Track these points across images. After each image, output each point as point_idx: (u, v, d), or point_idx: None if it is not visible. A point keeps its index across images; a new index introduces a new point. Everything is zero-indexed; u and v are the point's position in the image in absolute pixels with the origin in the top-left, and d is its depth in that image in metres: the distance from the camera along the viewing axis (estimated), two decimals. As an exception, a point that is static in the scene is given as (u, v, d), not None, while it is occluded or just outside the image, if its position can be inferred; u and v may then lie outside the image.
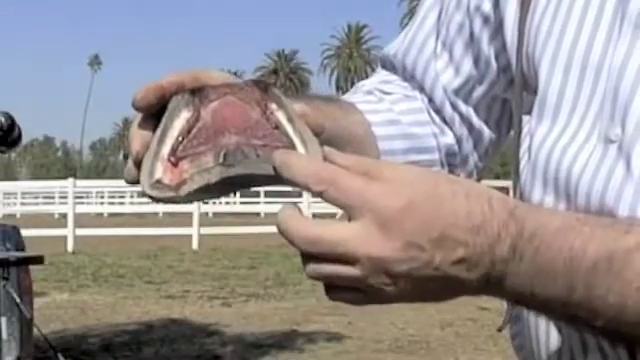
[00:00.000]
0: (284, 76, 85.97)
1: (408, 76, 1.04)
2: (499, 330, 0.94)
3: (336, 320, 7.35)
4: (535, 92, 0.85)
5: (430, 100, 1.02)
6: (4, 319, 4.30)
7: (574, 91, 0.81)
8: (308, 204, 15.72)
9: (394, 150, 0.98)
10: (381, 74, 1.07)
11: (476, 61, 0.99)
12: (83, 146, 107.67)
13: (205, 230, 16.06)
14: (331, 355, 6.15)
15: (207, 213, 22.88)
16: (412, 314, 7.49)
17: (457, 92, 1.00)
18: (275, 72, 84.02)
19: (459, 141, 1.02)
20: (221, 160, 0.65)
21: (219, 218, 22.63)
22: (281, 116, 0.68)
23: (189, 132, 0.67)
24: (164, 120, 0.67)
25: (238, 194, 28.04)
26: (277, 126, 0.68)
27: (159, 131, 0.67)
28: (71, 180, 16.88)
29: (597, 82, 0.80)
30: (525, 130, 0.88)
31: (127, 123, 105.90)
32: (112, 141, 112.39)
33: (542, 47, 0.84)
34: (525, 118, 0.88)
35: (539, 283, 0.65)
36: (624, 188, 0.75)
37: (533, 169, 0.83)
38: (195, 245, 15.33)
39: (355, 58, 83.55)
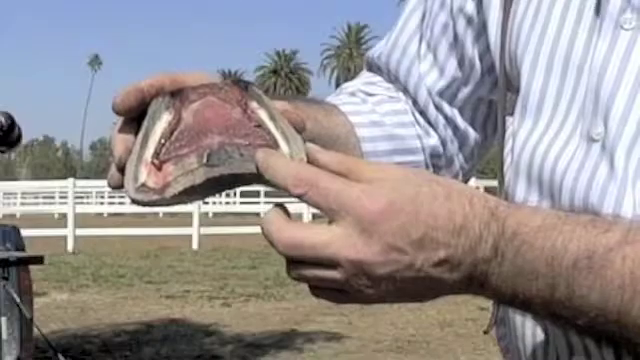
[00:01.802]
0: (284, 76, 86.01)
1: (392, 78, 1.03)
2: (485, 332, 0.95)
3: (336, 320, 7.35)
4: (518, 92, 0.85)
5: (414, 102, 1.02)
6: (4, 319, 4.30)
7: (556, 90, 0.81)
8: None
9: (378, 152, 0.98)
10: (365, 75, 1.07)
11: (460, 62, 0.99)
12: (83, 146, 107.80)
13: (205, 230, 16.06)
14: (331, 355, 6.15)
15: (207, 213, 22.88)
16: (412, 314, 7.49)
17: (441, 94, 1.00)
18: (275, 72, 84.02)
19: (444, 142, 1.02)
20: (205, 161, 0.64)
21: (219, 218, 22.63)
22: (262, 114, 0.68)
23: (171, 134, 0.66)
24: (145, 123, 0.67)
25: (238, 194, 28.05)
26: (259, 124, 0.67)
27: (141, 135, 0.67)
28: (71, 180, 16.88)
29: (579, 81, 0.80)
30: (509, 130, 0.88)
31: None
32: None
33: (524, 47, 0.84)
34: (509, 119, 0.88)
35: (521, 282, 0.65)
36: (608, 186, 0.75)
37: (516, 169, 0.83)
38: (195, 245, 15.32)
39: (355, 58, 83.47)
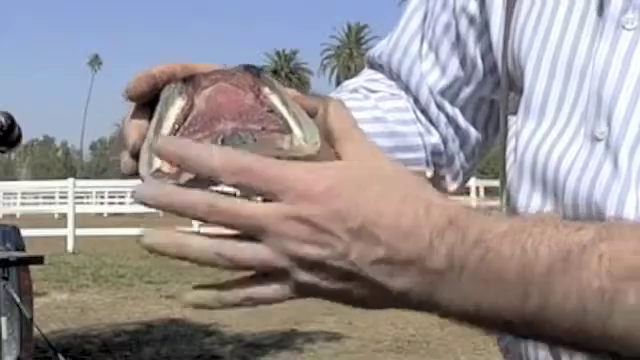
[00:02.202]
0: (284, 76, 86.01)
1: (394, 76, 1.04)
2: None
3: (336, 320, 7.35)
4: (521, 92, 0.85)
5: (415, 100, 1.02)
6: (4, 319, 4.30)
7: (559, 95, 0.81)
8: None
9: (379, 148, 0.98)
10: (367, 72, 1.07)
11: (462, 62, 0.99)
12: (83, 146, 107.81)
13: (205, 230, 16.02)
14: (331, 355, 6.15)
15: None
16: (412, 314, 7.46)
17: (443, 93, 1.00)
18: (275, 72, 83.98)
19: (445, 141, 1.02)
20: (219, 146, 0.64)
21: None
22: (275, 99, 0.67)
23: (184, 120, 0.66)
24: (158, 110, 0.67)
25: (238, 194, 27.98)
26: (271, 109, 0.66)
27: (154, 121, 0.66)
28: (71, 180, 16.88)
29: (581, 86, 0.80)
30: (512, 129, 0.88)
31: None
32: (112, 141, 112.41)
33: (526, 51, 0.84)
34: (512, 118, 0.88)
35: (486, 294, 0.59)
36: (611, 185, 0.75)
37: (520, 168, 0.83)
38: (195, 245, 15.31)
39: (355, 58, 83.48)
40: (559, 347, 0.67)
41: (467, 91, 1.00)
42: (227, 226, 0.60)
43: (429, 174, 1.02)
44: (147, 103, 0.68)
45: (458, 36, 0.98)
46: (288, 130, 0.65)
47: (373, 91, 1.02)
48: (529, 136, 0.83)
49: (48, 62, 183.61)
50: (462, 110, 1.01)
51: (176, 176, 0.63)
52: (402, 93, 1.03)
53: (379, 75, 1.05)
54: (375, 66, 1.06)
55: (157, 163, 0.64)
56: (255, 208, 0.59)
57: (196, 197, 0.60)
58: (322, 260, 0.59)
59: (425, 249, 0.59)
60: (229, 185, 0.60)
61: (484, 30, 0.94)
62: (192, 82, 0.68)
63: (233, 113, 0.66)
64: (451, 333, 6.79)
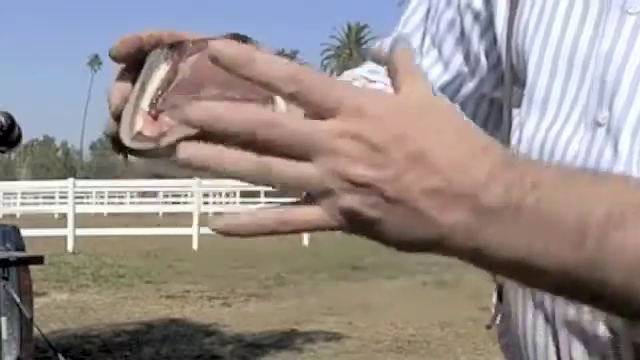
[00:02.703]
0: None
1: None
2: (488, 327, 0.94)
3: (336, 320, 7.35)
4: (524, 86, 0.87)
5: None
6: (4, 319, 4.31)
7: (562, 83, 0.82)
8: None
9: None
10: (369, 64, 1.07)
11: (466, 58, 0.99)
12: (83, 146, 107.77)
13: (205, 230, 16.03)
14: (331, 355, 6.15)
15: (207, 213, 22.87)
16: (412, 314, 7.49)
17: (444, 88, 1.01)
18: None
19: None
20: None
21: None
22: None
23: (168, 85, 0.66)
24: (143, 74, 0.66)
25: (238, 194, 28.04)
26: None
27: (138, 85, 0.66)
28: (71, 180, 16.88)
29: (583, 78, 0.81)
30: (516, 121, 0.89)
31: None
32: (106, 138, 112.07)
33: (530, 41, 0.86)
34: (516, 110, 0.89)
35: (539, 239, 0.57)
36: (612, 168, 0.76)
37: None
38: (195, 245, 15.32)
39: (355, 58, 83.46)
40: (598, 305, 0.64)
41: (469, 87, 1.00)
42: (278, 145, 0.55)
43: None
44: (133, 67, 0.67)
45: (462, 32, 0.98)
46: (271, 100, 0.63)
47: (372, 82, 1.02)
48: (534, 128, 0.84)
49: (48, 62, 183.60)
50: (462, 106, 1.01)
51: (156, 140, 0.62)
52: None
53: (380, 68, 1.05)
54: (376, 60, 1.06)
55: (138, 126, 0.63)
56: (312, 123, 0.55)
57: (251, 111, 0.55)
58: (373, 182, 0.55)
59: (481, 184, 0.56)
60: (286, 94, 0.56)
61: (489, 26, 0.94)
62: (178, 48, 0.67)
63: (217, 80, 0.64)
64: (451, 333, 6.79)
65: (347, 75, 1.06)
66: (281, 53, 0.66)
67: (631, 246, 0.58)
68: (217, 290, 9.43)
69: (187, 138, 0.61)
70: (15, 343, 4.35)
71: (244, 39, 0.68)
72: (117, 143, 0.65)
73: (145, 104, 0.65)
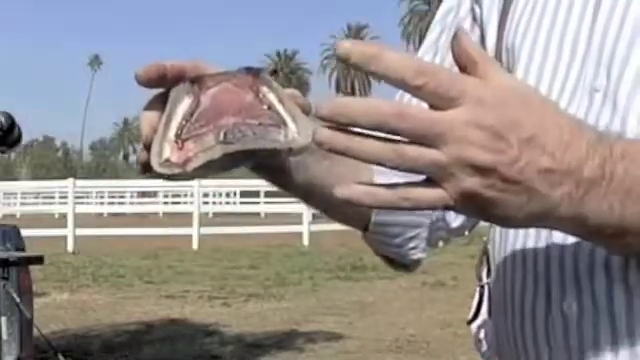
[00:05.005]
0: (284, 76, 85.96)
1: None
2: (469, 323, 0.98)
3: (336, 320, 7.35)
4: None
5: None
6: (4, 319, 4.31)
7: (554, 61, 0.85)
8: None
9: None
10: None
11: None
12: (83, 146, 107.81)
13: (205, 230, 16.06)
14: (331, 355, 6.16)
15: (207, 213, 22.89)
16: (412, 314, 7.49)
17: None
18: (275, 72, 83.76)
19: None
20: (222, 139, 0.72)
21: (219, 218, 22.63)
22: (272, 97, 0.75)
23: (191, 116, 0.74)
24: (168, 107, 0.75)
25: (238, 194, 28.06)
26: (269, 106, 0.75)
27: (164, 117, 0.75)
28: (71, 180, 16.90)
29: (575, 47, 0.83)
30: None
31: (127, 123, 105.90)
32: (112, 141, 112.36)
33: (522, 38, 0.88)
34: None
35: (629, 203, 0.65)
36: (610, 129, 0.77)
37: None
38: (195, 245, 15.33)
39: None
40: None
41: None
42: (410, 134, 0.61)
43: None
44: (160, 101, 0.76)
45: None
46: (283, 124, 0.73)
47: None
48: None
49: (48, 62, 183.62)
50: None
51: (182, 165, 0.72)
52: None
53: None
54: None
55: (166, 154, 0.73)
56: (439, 114, 0.61)
57: (385, 105, 0.60)
58: (494, 166, 0.61)
59: (582, 159, 0.64)
60: (412, 86, 0.60)
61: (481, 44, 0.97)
62: (198, 82, 0.76)
63: (235, 109, 0.74)
64: (451, 333, 6.79)
65: None
66: (274, 72, 0.75)
67: None
68: (217, 290, 9.44)
69: (209, 162, 0.72)
70: (15, 343, 4.35)
71: (257, 71, 0.77)
72: (148, 169, 0.74)
73: (171, 134, 0.74)
